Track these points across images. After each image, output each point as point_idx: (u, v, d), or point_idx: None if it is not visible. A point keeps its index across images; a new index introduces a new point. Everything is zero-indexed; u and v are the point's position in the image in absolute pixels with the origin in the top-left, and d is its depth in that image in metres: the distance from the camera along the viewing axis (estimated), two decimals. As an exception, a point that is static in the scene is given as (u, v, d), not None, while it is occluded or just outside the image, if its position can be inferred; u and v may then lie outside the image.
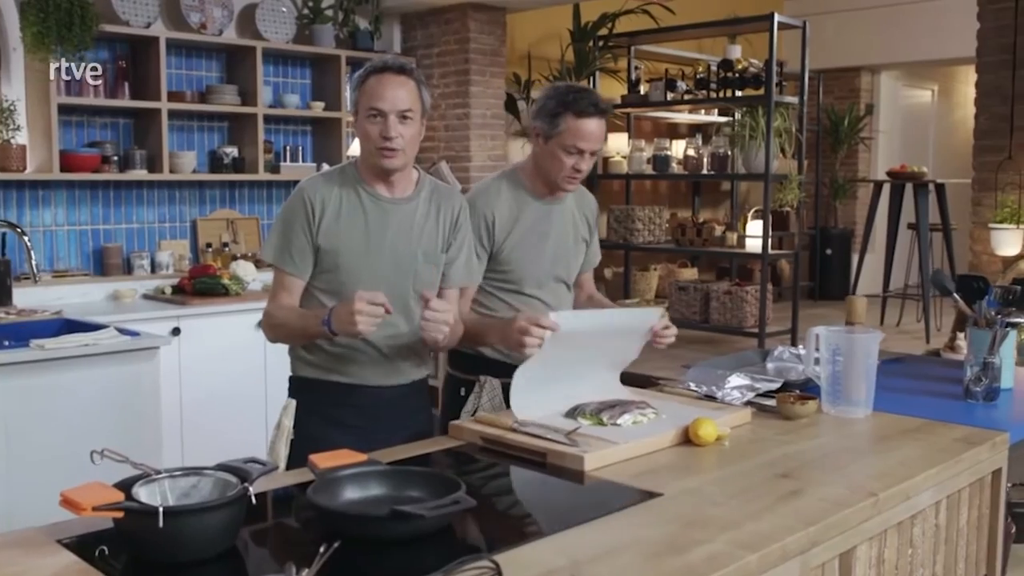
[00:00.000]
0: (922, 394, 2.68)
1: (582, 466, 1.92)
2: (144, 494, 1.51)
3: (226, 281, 4.76)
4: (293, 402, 2.19)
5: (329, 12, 5.64)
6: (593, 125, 2.38)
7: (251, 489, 1.50)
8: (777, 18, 5.38)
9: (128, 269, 4.98)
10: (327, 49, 5.54)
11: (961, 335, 3.57)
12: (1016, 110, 4.37)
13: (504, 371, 2.38)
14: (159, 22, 4.97)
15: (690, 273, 7.18)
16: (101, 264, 4.90)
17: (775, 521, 1.64)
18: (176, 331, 4.43)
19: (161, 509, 1.39)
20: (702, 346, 5.93)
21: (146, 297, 4.83)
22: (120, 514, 1.41)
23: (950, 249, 6.43)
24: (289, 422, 2.17)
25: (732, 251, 6.04)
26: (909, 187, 6.44)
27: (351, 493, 1.67)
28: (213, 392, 4.53)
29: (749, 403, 2.43)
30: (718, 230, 6.20)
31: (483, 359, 2.55)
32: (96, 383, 3.51)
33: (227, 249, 5.29)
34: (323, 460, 1.73)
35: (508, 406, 2.43)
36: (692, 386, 2.55)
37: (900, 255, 6.78)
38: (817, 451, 2.08)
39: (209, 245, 5.26)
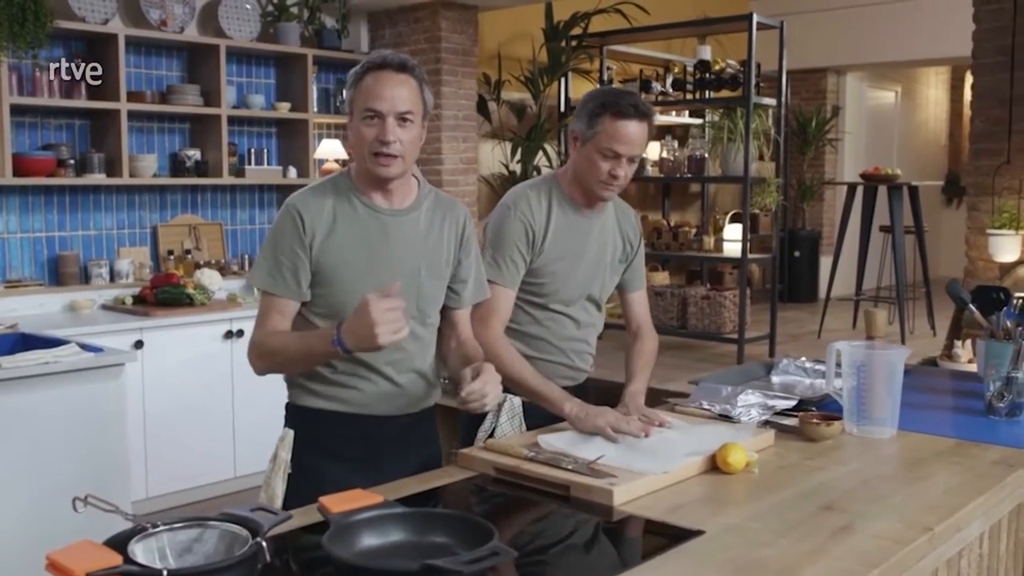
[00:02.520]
0: (938, 409, 2.59)
1: (611, 500, 1.77)
2: (140, 552, 1.33)
3: (191, 291, 4.54)
4: (291, 432, 2.01)
5: (294, 9, 5.44)
6: (632, 128, 2.22)
7: (264, 544, 1.33)
8: (756, 18, 5.28)
9: (85, 278, 4.74)
10: (293, 48, 5.34)
11: (959, 343, 3.50)
12: (1015, 113, 4.32)
13: None
14: (117, 18, 4.74)
15: (662, 277, 7.07)
16: (56, 273, 4.66)
17: (834, 564, 1.51)
18: (139, 344, 4.20)
19: (166, 573, 1.22)
20: (680, 352, 5.83)
21: (105, 308, 4.59)
22: (117, 579, 1.23)
23: (923, 251, 6.42)
24: (287, 455, 1.98)
25: (709, 255, 5.94)
26: (882, 189, 6.40)
27: (369, 540, 1.51)
28: (178, 408, 4.32)
29: (767, 423, 2.32)
30: (692, 233, 6.11)
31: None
32: (57, 404, 3.29)
33: (189, 256, 5.06)
34: (335, 503, 1.56)
35: (528, 427, 2.29)
36: (705, 404, 2.43)
37: (871, 258, 6.74)
38: (853, 478, 1.96)
39: (171, 252, 5.03)
